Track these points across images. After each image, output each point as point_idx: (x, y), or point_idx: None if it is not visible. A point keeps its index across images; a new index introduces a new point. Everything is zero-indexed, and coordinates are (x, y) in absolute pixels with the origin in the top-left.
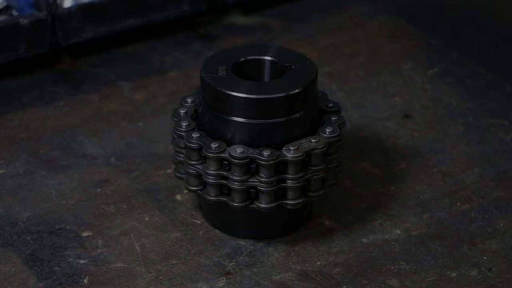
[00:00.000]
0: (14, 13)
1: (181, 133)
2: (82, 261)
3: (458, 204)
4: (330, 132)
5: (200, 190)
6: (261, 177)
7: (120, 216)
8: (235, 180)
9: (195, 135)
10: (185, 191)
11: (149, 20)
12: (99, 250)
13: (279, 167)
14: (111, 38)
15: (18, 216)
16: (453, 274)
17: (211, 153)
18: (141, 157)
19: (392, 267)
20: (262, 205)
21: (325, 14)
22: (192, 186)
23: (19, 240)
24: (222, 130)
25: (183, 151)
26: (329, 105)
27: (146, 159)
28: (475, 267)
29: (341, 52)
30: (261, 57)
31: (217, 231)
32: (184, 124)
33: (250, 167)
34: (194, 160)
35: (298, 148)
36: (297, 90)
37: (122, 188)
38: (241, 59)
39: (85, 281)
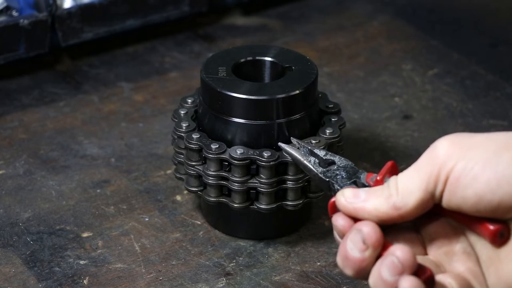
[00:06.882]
0: (14, 13)
1: (181, 134)
2: (82, 262)
3: None
4: (330, 133)
5: (200, 191)
6: (261, 178)
7: (120, 217)
8: (235, 181)
9: (195, 136)
10: (185, 191)
11: (149, 20)
12: (99, 251)
13: (279, 168)
14: (111, 39)
15: (18, 217)
16: None
17: (211, 154)
18: (141, 158)
19: None
20: (262, 206)
21: (325, 15)
22: (192, 186)
23: (19, 241)
24: (222, 131)
25: (183, 151)
26: (329, 105)
27: (146, 160)
28: None
29: (341, 53)
30: (261, 58)
31: (217, 231)
32: (184, 124)
33: (250, 168)
34: (194, 161)
35: (298, 149)
36: (297, 91)
37: (122, 189)
38: (241, 60)
39: (85, 281)
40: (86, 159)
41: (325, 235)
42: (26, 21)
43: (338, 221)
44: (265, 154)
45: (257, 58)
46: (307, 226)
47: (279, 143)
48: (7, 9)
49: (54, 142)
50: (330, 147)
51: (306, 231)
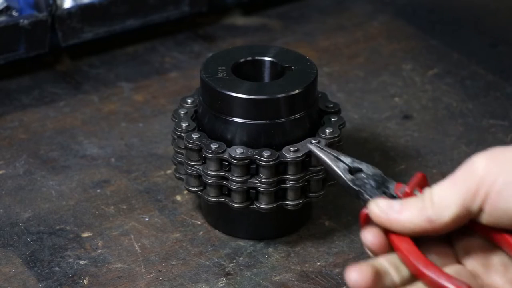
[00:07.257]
0: (14, 13)
1: (181, 134)
2: (82, 262)
3: None
4: (330, 133)
5: (200, 190)
6: (261, 178)
7: (120, 217)
8: (235, 181)
9: (195, 135)
10: (185, 191)
11: (149, 20)
12: (99, 251)
13: (279, 168)
14: (111, 39)
15: (18, 217)
16: None
17: (211, 154)
18: (141, 158)
19: None
20: (262, 206)
21: (325, 15)
22: (192, 186)
23: (19, 241)
24: (222, 131)
25: (183, 151)
26: (329, 105)
27: (146, 160)
28: None
29: (341, 53)
30: (261, 58)
31: (217, 231)
32: (184, 124)
33: (250, 168)
34: (194, 161)
35: (298, 149)
36: (297, 91)
37: (122, 189)
38: (241, 60)
39: (85, 281)
40: (86, 159)
41: (325, 235)
42: (26, 21)
43: (367, 237)
44: (265, 154)
45: (256, 58)
46: (307, 226)
47: (308, 144)
48: (7, 9)
49: (54, 142)
50: (330, 147)
51: (306, 231)
